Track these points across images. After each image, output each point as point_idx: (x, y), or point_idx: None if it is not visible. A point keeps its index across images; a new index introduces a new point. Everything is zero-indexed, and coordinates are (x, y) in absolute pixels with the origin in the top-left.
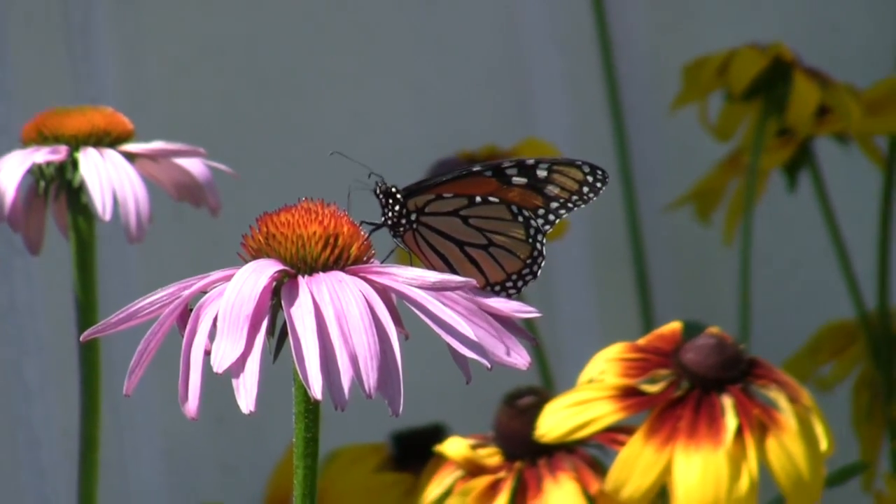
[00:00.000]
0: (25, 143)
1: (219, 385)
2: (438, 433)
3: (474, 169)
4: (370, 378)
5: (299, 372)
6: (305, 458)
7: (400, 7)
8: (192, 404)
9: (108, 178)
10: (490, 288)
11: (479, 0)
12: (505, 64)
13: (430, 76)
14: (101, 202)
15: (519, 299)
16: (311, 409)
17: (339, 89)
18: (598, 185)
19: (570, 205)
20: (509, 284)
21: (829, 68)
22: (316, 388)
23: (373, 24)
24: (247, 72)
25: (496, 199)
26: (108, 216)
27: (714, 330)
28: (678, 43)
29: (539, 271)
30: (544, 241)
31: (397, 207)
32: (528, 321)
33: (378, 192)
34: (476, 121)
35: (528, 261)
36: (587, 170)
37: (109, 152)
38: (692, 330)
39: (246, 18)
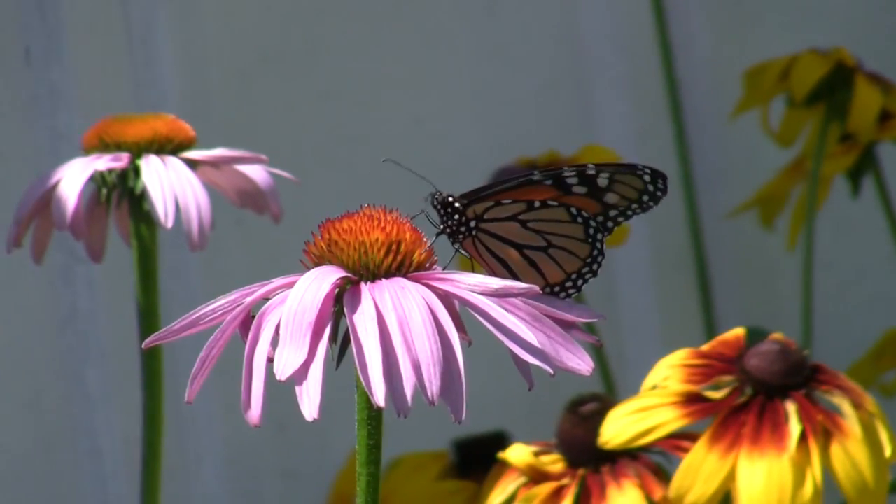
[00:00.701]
0: (87, 150)
1: (280, 392)
2: (500, 440)
3: (534, 177)
4: (433, 385)
5: (362, 379)
6: (368, 466)
7: (460, 14)
8: (254, 412)
9: (170, 185)
10: (550, 288)
11: (540, 6)
12: (565, 69)
13: (491, 82)
14: (162, 209)
15: (582, 304)
16: (373, 417)
17: (400, 95)
18: (659, 193)
19: (629, 212)
20: (569, 284)
21: (891, 73)
22: (379, 396)
23: (433, 31)
24: (307, 78)
25: (555, 203)
26: (169, 223)
27: (778, 336)
28: (739, 48)
29: (599, 270)
30: (603, 240)
31: (456, 216)
32: (589, 325)
33: (435, 202)
34: (537, 127)
35: (588, 260)
36: (648, 178)
37: (171, 159)
38: (755, 336)
39: (306, 25)
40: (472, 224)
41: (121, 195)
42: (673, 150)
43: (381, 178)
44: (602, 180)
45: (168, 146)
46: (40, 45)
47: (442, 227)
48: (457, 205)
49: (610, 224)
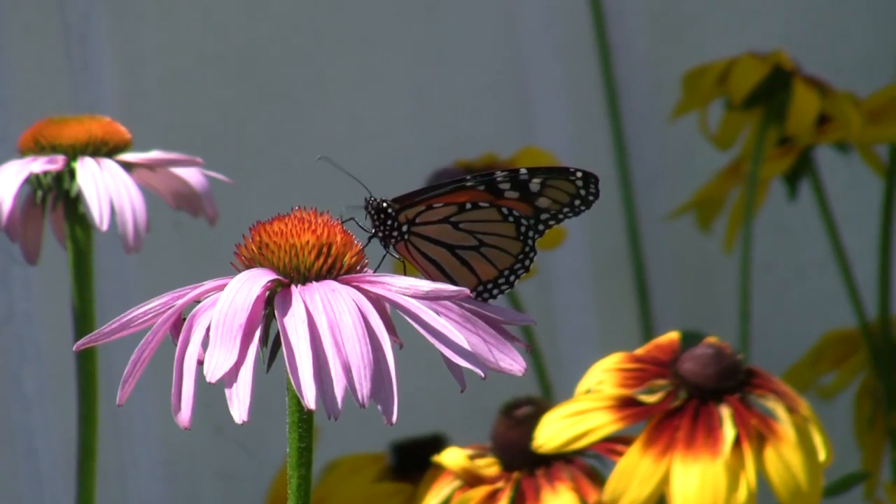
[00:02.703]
0: (23, 152)
1: (218, 395)
2: (438, 443)
3: (467, 182)
4: (363, 387)
5: (292, 381)
6: (299, 468)
7: (399, 14)
8: (184, 414)
9: (106, 187)
10: (483, 285)
11: (479, 8)
12: (504, 71)
13: (430, 83)
14: (98, 212)
15: (517, 307)
16: (304, 419)
17: (339, 97)
18: (591, 197)
19: (560, 216)
20: (501, 280)
21: (830, 76)
22: (309, 398)
23: (372, 32)
24: (245, 80)
25: (486, 204)
26: (105, 226)
27: (712, 339)
28: (678, 50)
29: (530, 265)
30: (535, 238)
31: (389, 221)
32: (525, 330)
33: (369, 207)
34: (476, 128)
35: (520, 256)
36: (580, 182)
37: (107, 162)
38: (690, 339)
39: (244, 26)
40: (405, 228)
41: (56, 197)
42: (611, 152)
43: (320, 179)
44: (534, 185)
45: (103, 148)
46: None
47: (374, 231)
48: (389, 210)
49: (541, 227)
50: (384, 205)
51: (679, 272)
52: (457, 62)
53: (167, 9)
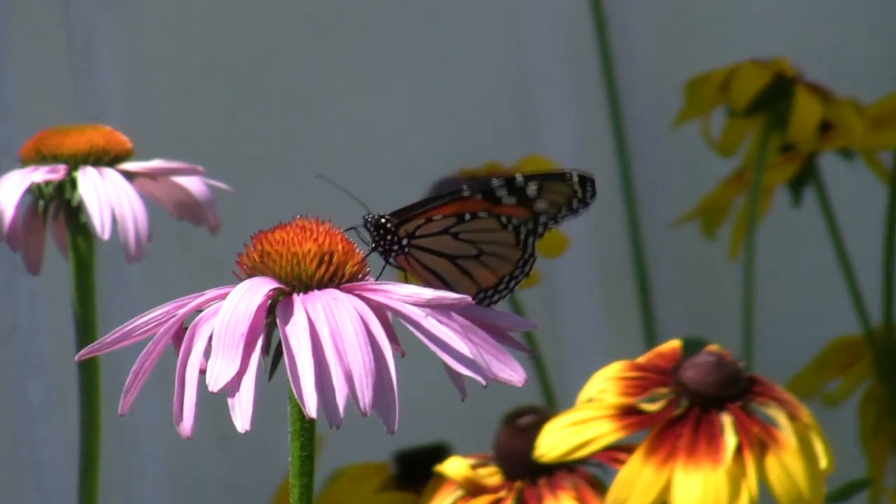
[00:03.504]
0: (24, 162)
1: (222, 404)
2: (441, 452)
3: (464, 192)
4: (365, 396)
5: (294, 390)
6: (302, 477)
7: (405, 24)
8: (186, 423)
9: (107, 196)
10: (484, 292)
11: (484, 18)
12: (509, 81)
13: (436, 93)
14: (99, 221)
15: (522, 315)
16: (306, 428)
17: (344, 105)
18: (589, 198)
19: (559, 217)
20: (501, 287)
21: (835, 84)
22: (311, 407)
23: (378, 41)
24: (250, 90)
25: (485, 214)
26: (106, 235)
27: (714, 347)
28: (680, 58)
29: (529, 270)
30: (534, 243)
31: (389, 236)
32: (529, 336)
33: (368, 224)
34: (481, 137)
35: (520, 263)
36: (577, 185)
37: (108, 171)
38: (692, 347)
39: (249, 35)
40: (405, 242)
41: (58, 207)
42: (615, 160)
43: (323, 189)
44: (531, 190)
45: (105, 158)
46: None
47: (374, 245)
48: (388, 225)
49: (541, 230)
50: (383, 220)
51: (682, 280)
52: (462, 72)
53: (171, 19)
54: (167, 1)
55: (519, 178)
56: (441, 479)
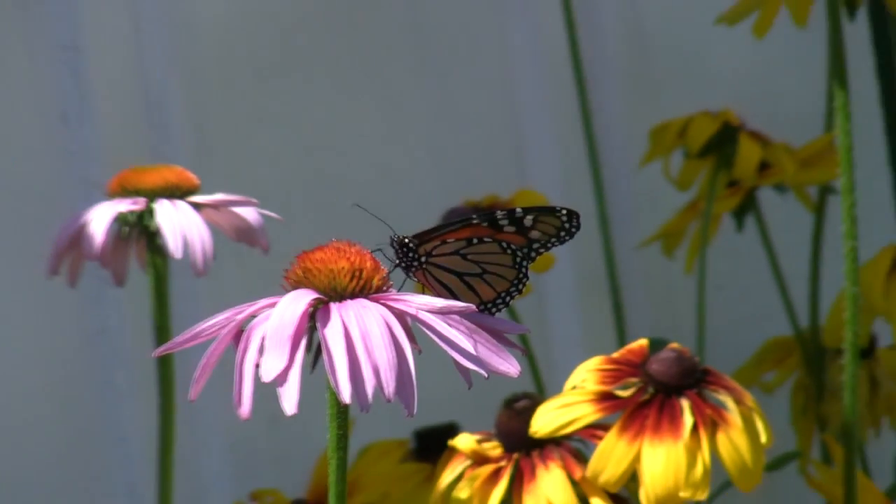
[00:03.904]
0: (111, 195)
1: (272, 391)
2: (452, 430)
3: (473, 220)
4: (389, 386)
5: (331, 381)
6: (338, 451)
7: (419, 80)
8: (245, 408)
9: (179, 224)
10: (484, 305)
11: (483, 75)
12: (504, 127)
13: (443, 136)
14: (173, 244)
15: (516, 320)
16: (341, 412)
17: (368, 148)
18: (573, 229)
19: (549, 244)
20: (499, 301)
21: (771, 130)
22: (345, 395)
23: (396, 95)
24: (293, 136)
25: (489, 239)
26: (178, 255)
27: (674, 345)
28: (646, 110)
29: (523, 288)
30: (528, 266)
31: (410, 254)
32: (523, 338)
33: (393, 243)
34: (481, 173)
35: (515, 281)
36: (564, 218)
37: (180, 203)
38: (657, 345)
39: (292, 91)
40: (423, 259)
41: (139, 232)
42: (592, 193)
43: (354, 217)
44: (527, 220)
45: (177, 192)
46: (74, 108)
47: (398, 261)
48: (410, 244)
49: (533, 254)
50: (406, 240)
51: (647, 290)
52: (465, 121)
53: (229, 81)
54: (225, 70)
55: (518, 210)
56: (452, 452)
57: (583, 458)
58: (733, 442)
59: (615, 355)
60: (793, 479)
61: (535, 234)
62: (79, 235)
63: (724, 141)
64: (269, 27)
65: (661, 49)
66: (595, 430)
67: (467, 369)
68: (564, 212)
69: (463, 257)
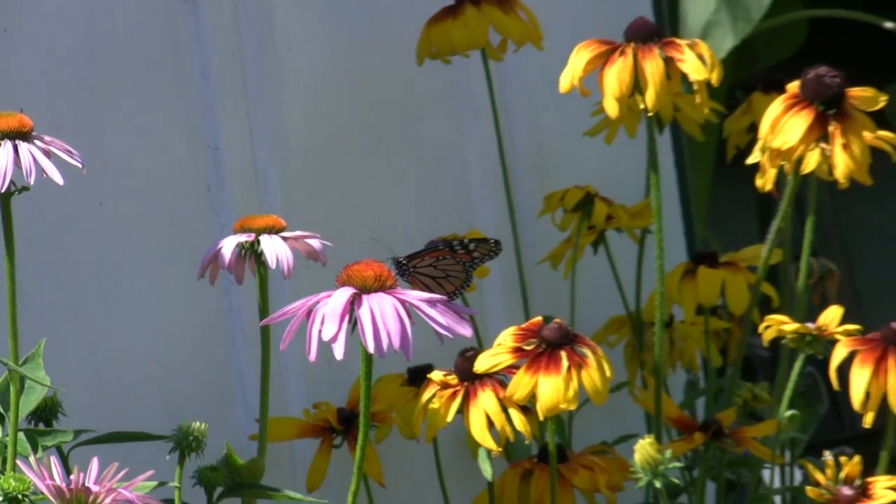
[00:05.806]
0: (235, 231)
1: (328, 346)
2: (429, 369)
3: (440, 247)
4: (395, 342)
5: (362, 340)
6: (365, 380)
7: (412, 166)
8: (313, 355)
9: (274, 248)
10: (448, 296)
11: (450, 166)
12: (464, 198)
13: (428, 201)
14: (272, 260)
15: (465, 304)
16: (367, 358)
17: (382, 206)
18: (498, 252)
19: (484, 260)
20: (456, 293)
21: (613, 196)
22: (371, 347)
23: (399, 175)
24: (340, 200)
25: (449, 258)
26: (274, 266)
27: (558, 320)
28: (543, 183)
29: (468, 285)
30: (471, 272)
31: (403, 267)
32: (471, 316)
33: (393, 262)
34: (448, 221)
35: (465, 282)
36: (493, 245)
37: (275, 237)
38: (547, 320)
39: (344, 174)
40: (412, 270)
41: (251, 253)
42: (510, 232)
43: (373, 245)
44: (472, 246)
45: (273, 229)
46: (214, 181)
47: (397, 272)
48: (404, 262)
49: (475, 265)
50: (401, 260)
51: (544, 289)
52: (440, 192)
53: (307, 165)
54: (303, 157)
55: (467, 241)
56: (429, 381)
57: (504, 385)
58: (591, 376)
59: (523, 326)
60: (625, 398)
61: (476, 254)
62: (217, 254)
63: (587, 203)
64: (328, 128)
65: (554, 150)
66: (512, 369)
67: (440, 333)
68: (493, 241)
69: (434, 268)
